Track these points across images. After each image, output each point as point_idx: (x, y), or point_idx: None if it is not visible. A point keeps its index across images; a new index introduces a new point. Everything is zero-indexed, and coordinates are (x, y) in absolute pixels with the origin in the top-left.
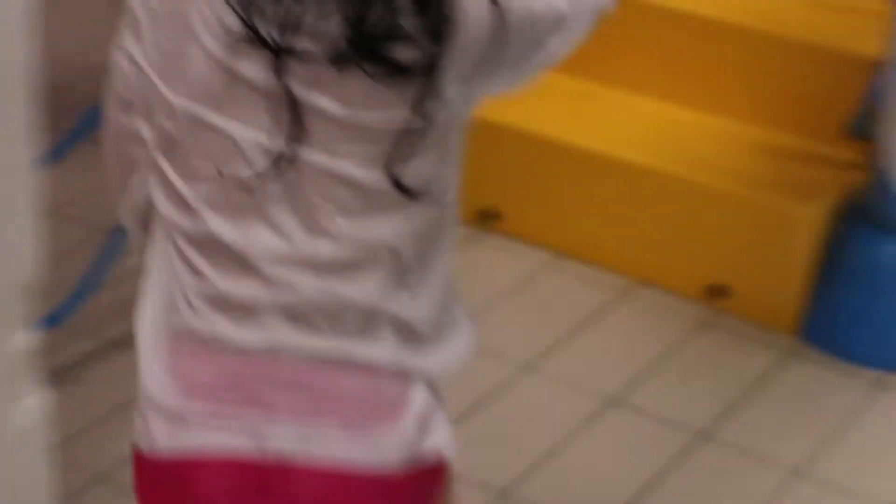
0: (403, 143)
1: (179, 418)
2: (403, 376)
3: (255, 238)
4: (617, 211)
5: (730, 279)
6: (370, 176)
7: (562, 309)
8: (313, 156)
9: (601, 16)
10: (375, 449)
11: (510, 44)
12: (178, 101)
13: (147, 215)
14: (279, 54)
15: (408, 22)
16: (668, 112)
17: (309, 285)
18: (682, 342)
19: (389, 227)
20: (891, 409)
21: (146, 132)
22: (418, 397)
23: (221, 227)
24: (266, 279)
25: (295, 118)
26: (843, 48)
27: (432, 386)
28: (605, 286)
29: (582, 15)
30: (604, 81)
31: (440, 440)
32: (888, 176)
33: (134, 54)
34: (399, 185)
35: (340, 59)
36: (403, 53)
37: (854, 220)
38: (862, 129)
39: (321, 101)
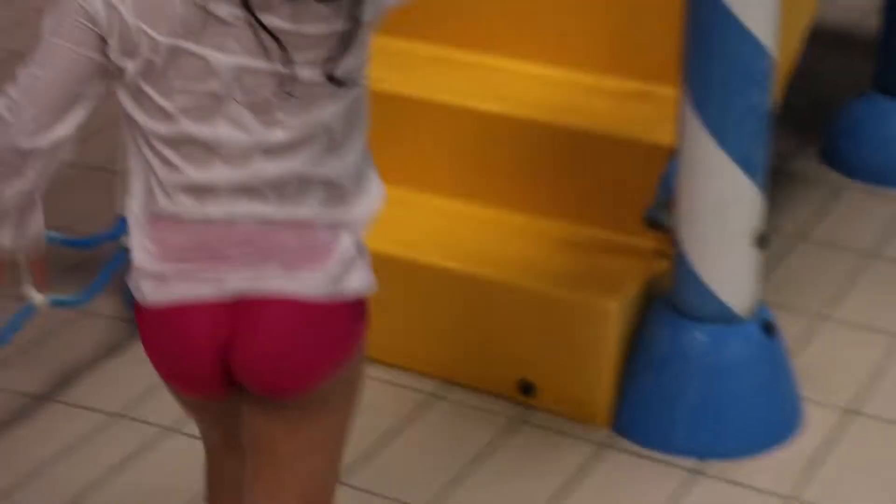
0: (337, 46)
1: (161, 277)
2: (332, 228)
3: (222, 134)
4: (421, 312)
5: (540, 375)
6: (312, 75)
7: (368, 417)
8: (259, 65)
9: None
10: (307, 284)
11: None
12: (162, 38)
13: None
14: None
15: None
16: (469, 211)
17: (263, 166)
18: (495, 443)
19: (325, 111)
20: (707, 496)
21: (129, 64)
22: (343, 246)
23: (195, 128)
24: (230, 165)
25: (256, 38)
26: (638, 137)
27: (356, 237)
28: (412, 390)
29: None
30: (402, 183)
31: (359, 281)
32: (686, 263)
33: (113, 3)
34: (333, 79)
35: None
36: None
37: (658, 308)
38: (657, 218)
39: (276, 22)
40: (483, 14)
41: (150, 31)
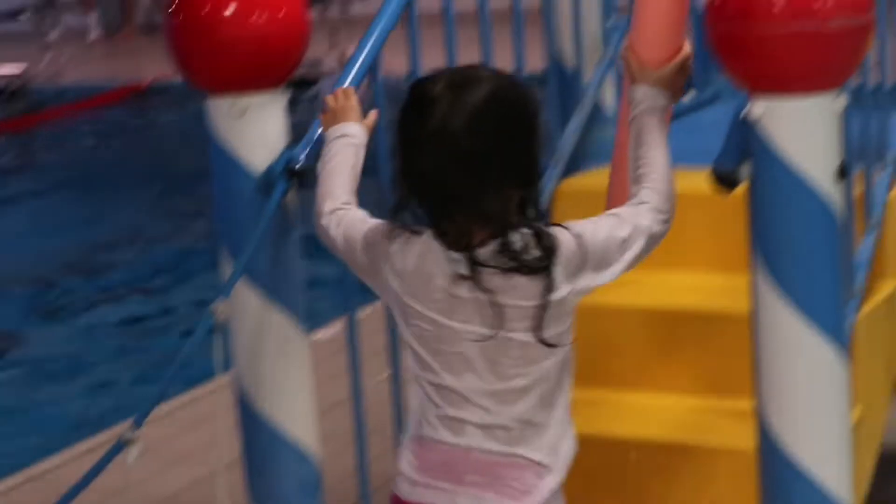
0: (542, 316)
1: (414, 482)
2: (540, 469)
3: (467, 383)
4: None
5: None
6: (527, 338)
7: None
8: (505, 332)
9: (656, 238)
10: None
11: (590, 257)
12: (427, 312)
13: None
14: (477, 281)
15: (532, 246)
16: None
17: (496, 409)
18: None
19: (539, 366)
20: None
21: (403, 328)
22: (548, 484)
23: (448, 379)
24: (473, 406)
25: (494, 312)
26: None
27: (558, 479)
28: None
29: (639, 238)
30: None
31: None
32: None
33: (393, 288)
34: (543, 341)
35: (508, 271)
36: (533, 262)
37: None
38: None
39: (502, 298)
40: None
41: (416, 305)
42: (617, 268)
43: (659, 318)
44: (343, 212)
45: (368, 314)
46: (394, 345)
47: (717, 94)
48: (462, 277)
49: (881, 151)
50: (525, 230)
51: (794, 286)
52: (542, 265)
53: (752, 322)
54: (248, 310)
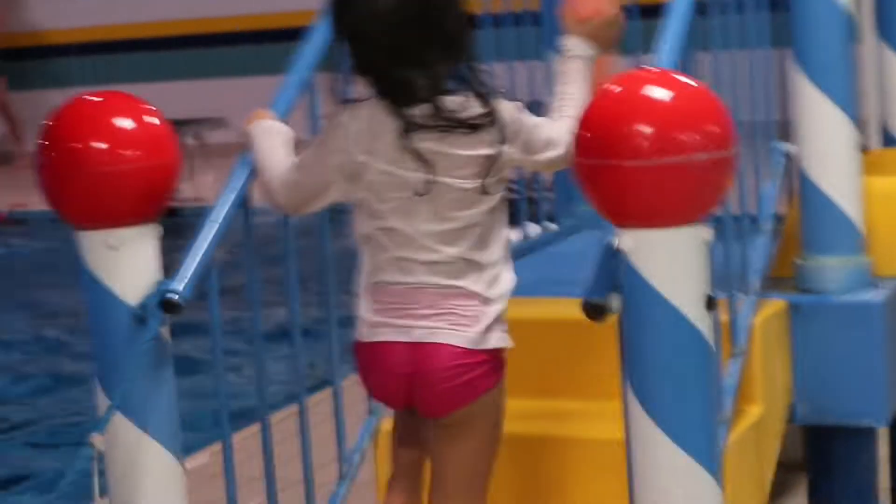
0: (487, 166)
1: (374, 324)
2: (483, 299)
3: (413, 225)
4: None
5: None
6: (471, 185)
7: None
8: (441, 181)
9: (564, 158)
10: (465, 339)
11: (522, 132)
12: (378, 164)
13: None
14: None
15: (474, 106)
16: None
17: (440, 249)
18: None
19: (478, 210)
20: None
21: (356, 192)
22: (492, 312)
23: (397, 222)
24: (420, 247)
25: (434, 161)
26: None
27: (499, 308)
28: None
29: (559, 146)
30: None
31: (498, 338)
32: None
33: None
34: (485, 190)
35: (449, 128)
36: (475, 119)
37: None
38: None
39: (441, 148)
40: None
41: (369, 160)
42: (538, 158)
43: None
44: (296, 160)
45: (243, 439)
46: (268, 473)
47: (579, 225)
48: (406, 131)
49: (744, 279)
50: (468, 93)
51: (667, 413)
52: (481, 122)
53: (626, 448)
54: (122, 441)
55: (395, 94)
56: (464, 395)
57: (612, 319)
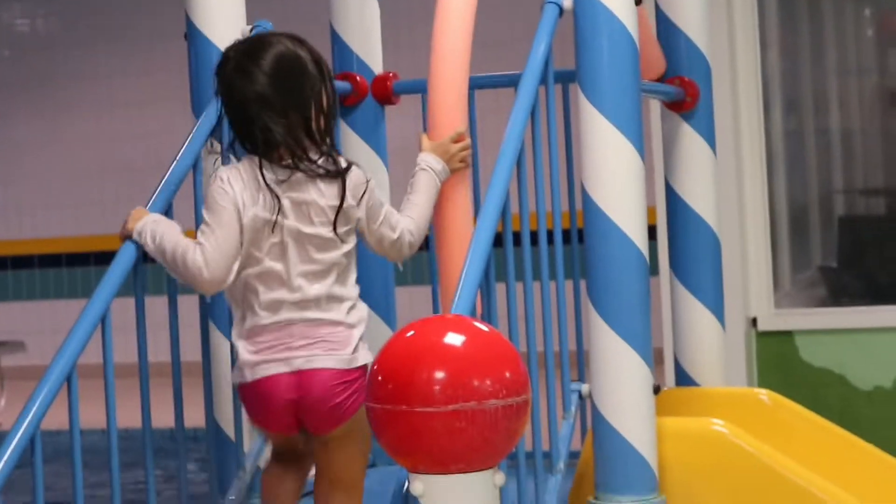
0: (339, 215)
1: (254, 364)
2: (348, 326)
3: (285, 265)
4: None
5: None
6: (326, 232)
7: None
8: (305, 228)
9: (403, 246)
10: (340, 360)
11: (367, 199)
12: (260, 214)
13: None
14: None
15: (328, 163)
16: None
17: (307, 287)
18: None
19: (336, 253)
20: None
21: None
22: (356, 335)
23: (272, 264)
24: (290, 287)
25: (293, 214)
26: None
27: (360, 331)
28: None
29: (396, 230)
30: None
31: (365, 357)
32: None
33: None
34: (339, 235)
35: (310, 178)
36: (330, 170)
37: None
38: None
39: (307, 198)
40: None
41: (249, 209)
42: (376, 228)
43: None
44: (201, 227)
45: None
46: None
47: (374, 461)
48: (277, 183)
49: None
50: (323, 155)
51: None
52: (335, 174)
53: None
54: None
55: (256, 141)
56: (345, 410)
57: None
